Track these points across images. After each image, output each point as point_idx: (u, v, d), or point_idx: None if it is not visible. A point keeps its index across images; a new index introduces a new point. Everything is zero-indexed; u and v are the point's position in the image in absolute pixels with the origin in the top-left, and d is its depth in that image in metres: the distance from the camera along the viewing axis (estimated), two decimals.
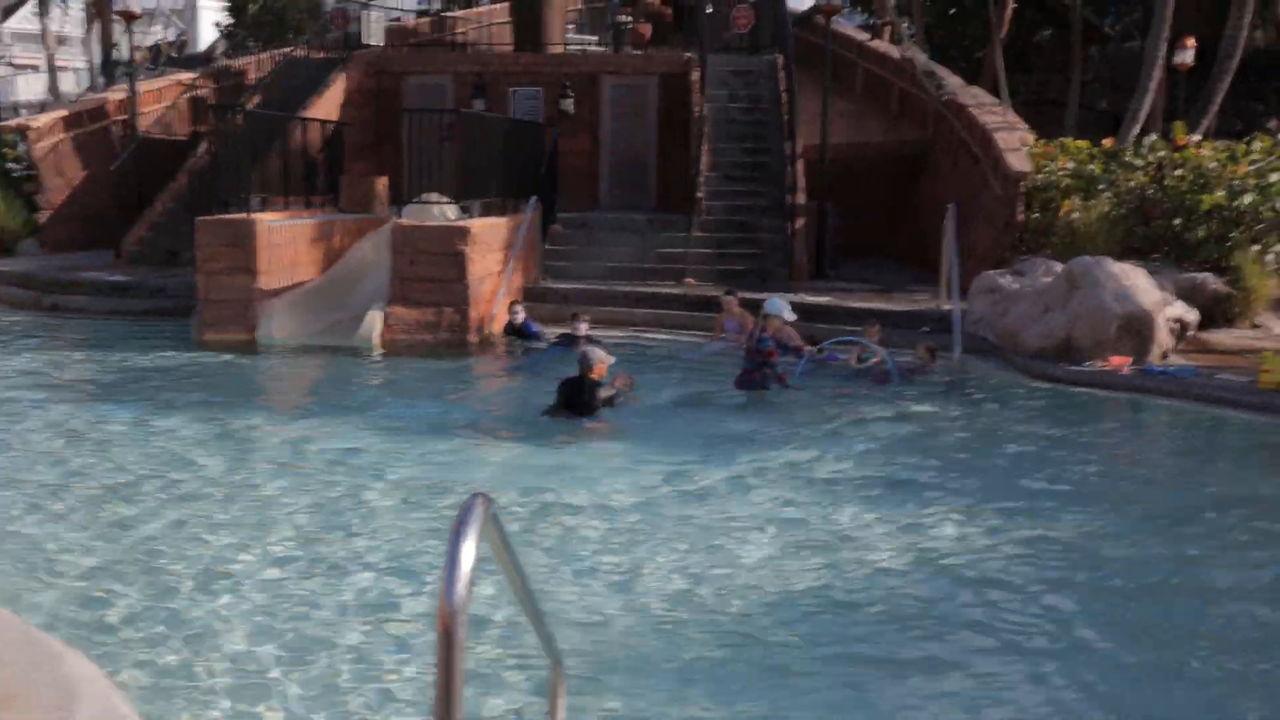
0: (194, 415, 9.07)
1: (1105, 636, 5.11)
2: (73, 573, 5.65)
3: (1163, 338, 11.16)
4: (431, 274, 13.05)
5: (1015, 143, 15.50)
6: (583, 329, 12.67)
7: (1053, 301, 11.60)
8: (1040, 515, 6.80)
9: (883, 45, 21.17)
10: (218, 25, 34.44)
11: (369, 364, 12.10)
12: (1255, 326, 13.23)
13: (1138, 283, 11.36)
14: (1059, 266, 12.21)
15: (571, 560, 5.95)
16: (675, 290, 14.87)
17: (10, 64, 46.23)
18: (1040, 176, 15.34)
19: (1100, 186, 15.07)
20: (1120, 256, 12.73)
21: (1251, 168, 14.28)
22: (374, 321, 12.89)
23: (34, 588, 5.43)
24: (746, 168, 17.25)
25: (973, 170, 16.38)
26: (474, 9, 26.03)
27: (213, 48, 32.62)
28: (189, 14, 39.14)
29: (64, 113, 19.55)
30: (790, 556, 6.05)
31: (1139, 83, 20.46)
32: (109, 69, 25.42)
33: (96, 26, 31.87)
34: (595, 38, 23.30)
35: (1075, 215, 14.63)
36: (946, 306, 13.09)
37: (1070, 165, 15.77)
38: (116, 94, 19.89)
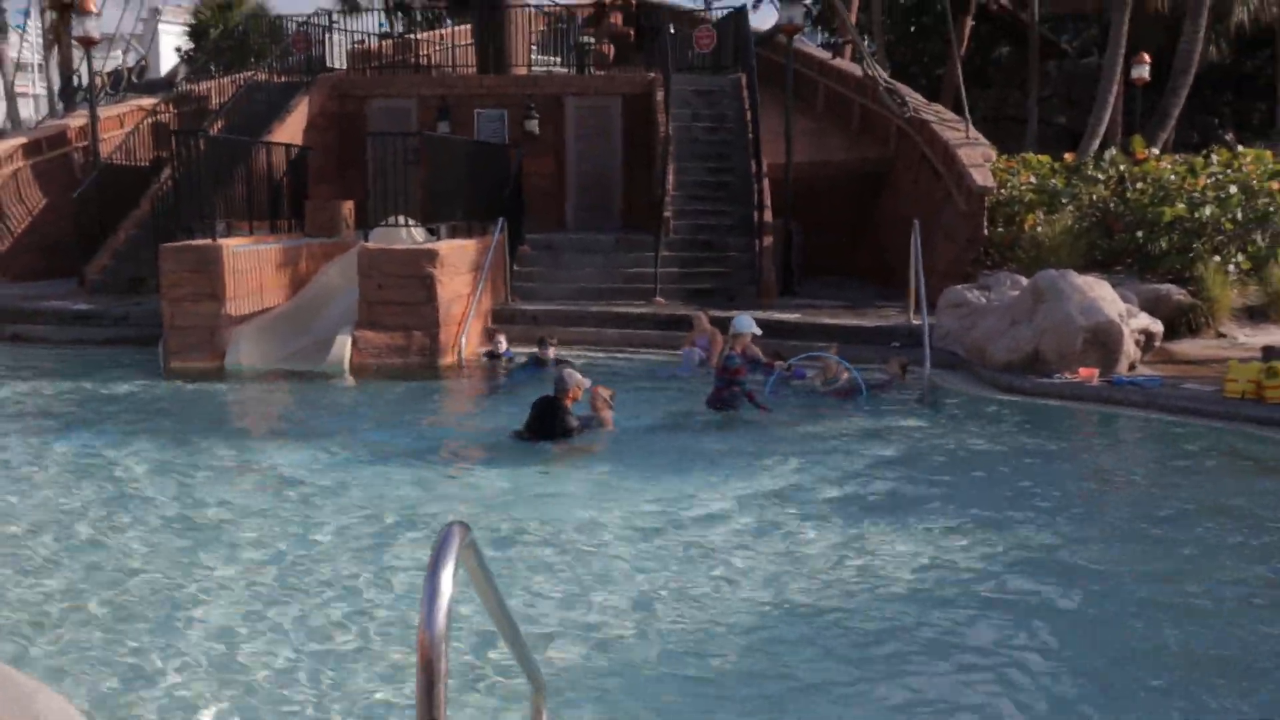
0: (162, 444, 8.96)
1: (1075, 647, 5.13)
2: (34, 601, 5.54)
3: (1129, 349, 11.27)
4: (400, 297, 12.99)
5: (978, 158, 15.66)
6: (551, 353, 12.64)
7: (1019, 315, 11.69)
8: (1012, 527, 6.83)
9: (844, 63, 21.37)
10: (178, 50, 34.26)
11: (339, 389, 12.01)
12: (1219, 336, 13.41)
13: (1103, 295, 11.47)
14: (1025, 280, 12.32)
15: (547, 585, 5.90)
16: (644, 309, 14.88)
17: None
18: (1003, 191, 15.52)
19: (1063, 200, 15.26)
20: (1084, 269, 12.88)
21: (1210, 180, 14.51)
22: (343, 346, 12.81)
23: None
24: (712, 186, 17.32)
25: (935, 186, 16.52)
26: (437, 31, 26.04)
27: (174, 72, 32.41)
28: (149, 39, 38.88)
29: (23, 140, 19.34)
30: (766, 576, 6.03)
31: (1097, 98, 20.76)
32: (69, 95, 25.17)
33: (55, 52, 31.60)
34: (558, 59, 23.33)
35: (1039, 229, 14.81)
36: (916, 322, 13.16)
37: (1032, 180, 15.98)
38: (77, 120, 19.70)
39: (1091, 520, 7.10)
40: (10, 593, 5.74)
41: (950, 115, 17.81)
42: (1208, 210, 13.96)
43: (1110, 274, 13.49)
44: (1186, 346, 12.91)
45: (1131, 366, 11.35)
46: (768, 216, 16.26)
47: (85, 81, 19.75)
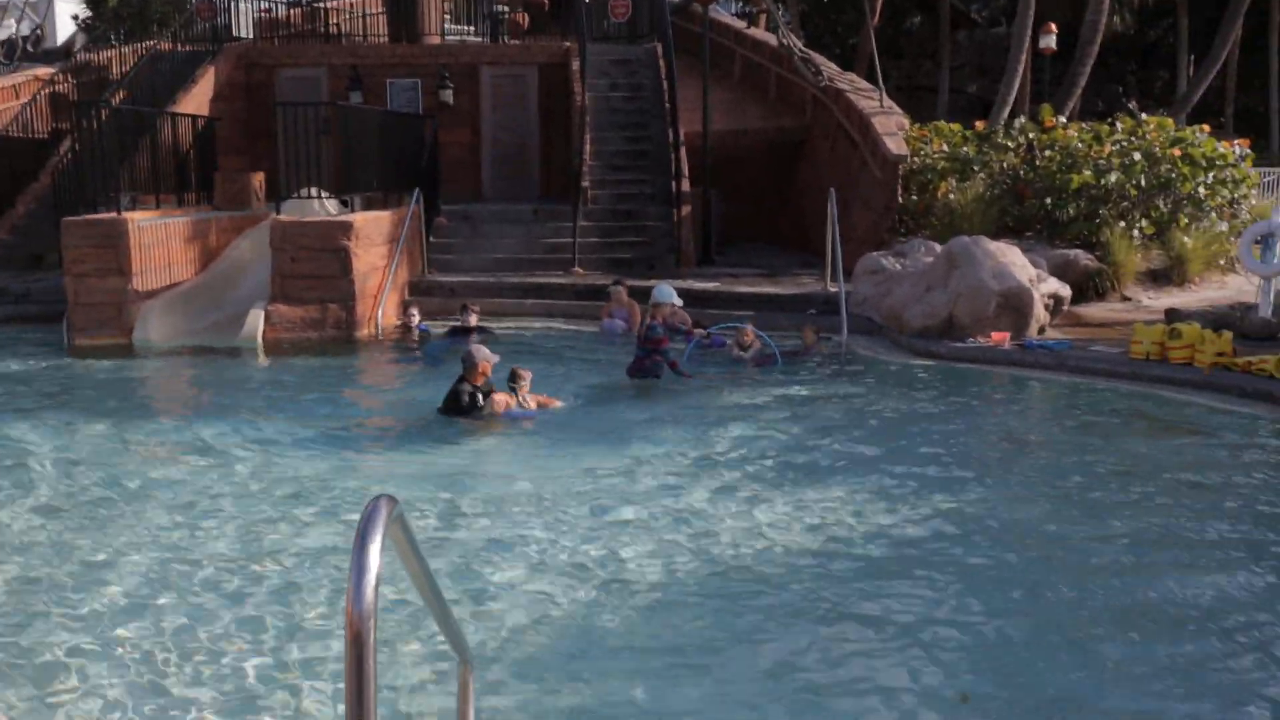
0: (69, 422, 8.71)
1: (989, 604, 5.25)
2: None
3: (1039, 313, 11.53)
4: (314, 270, 12.78)
5: (892, 127, 15.82)
6: (473, 320, 12.56)
7: (934, 281, 11.88)
8: (927, 488, 6.96)
9: (759, 33, 21.40)
10: (76, 18, 33.07)
11: (253, 364, 11.79)
12: (1125, 299, 13.78)
13: (1014, 260, 11.71)
14: (938, 247, 12.51)
15: (472, 558, 5.87)
16: (563, 280, 14.82)
17: None
18: (917, 160, 15.71)
19: (974, 168, 15.51)
20: (996, 236, 13.12)
21: (1115, 147, 14.84)
22: (256, 320, 12.57)
23: None
24: (630, 156, 17.27)
25: (851, 155, 16.67)
26: None
27: (71, 41, 31.32)
28: (44, 7, 37.51)
29: None
30: (688, 543, 6.07)
31: (1006, 67, 21.11)
32: None
33: None
34: (472, 28, 22.99)
35: (951, 197, 15.03)
36: (833, 289, 13.30)
37: (945, 148, 16.20)
38: None
39: (1004, 481, 7.27)
40: None
41: (864, 84, 17.95)
42: (1113, 177, 14.29)
43: (1021, 240, 13.77)
44: (1093, 310, 13.25)
45: (1041, 330, 11.61)
46: (686, 186, 16.26)
47: None
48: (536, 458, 7.91)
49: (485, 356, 8.85)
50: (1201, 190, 14.64)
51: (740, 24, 22.35)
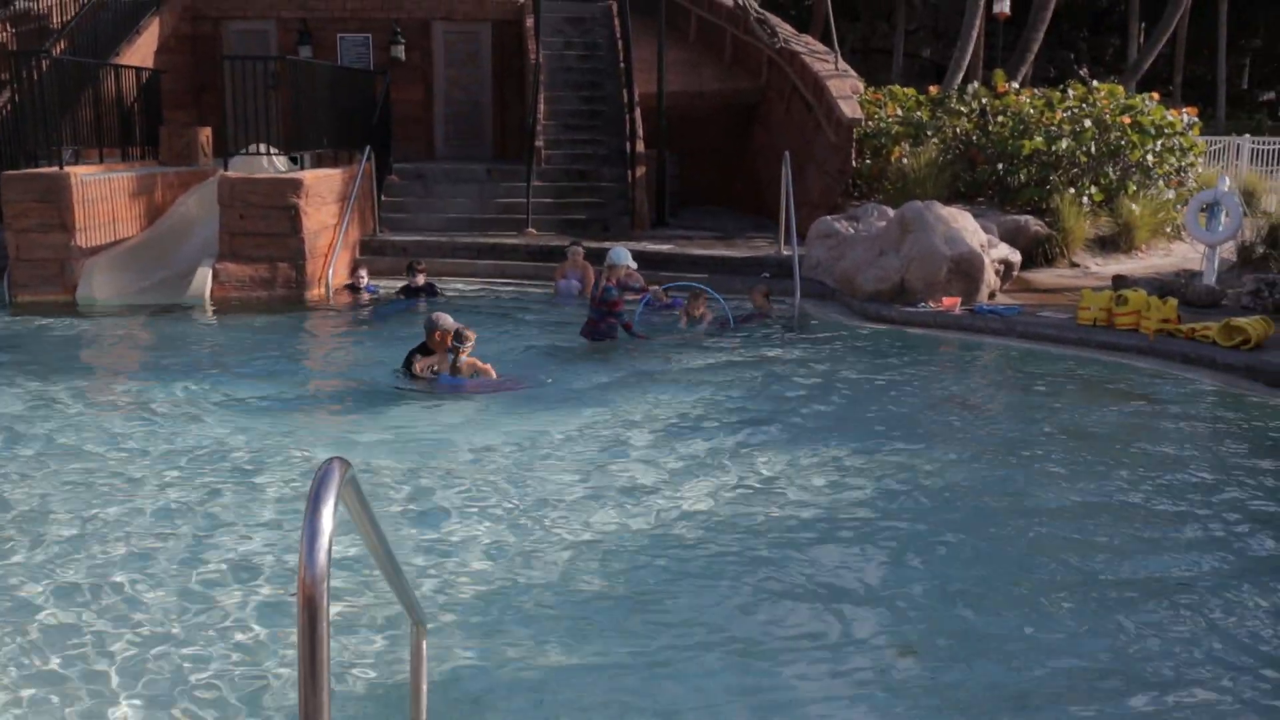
0: (10, 379, 8.55)
1: (935, 567, 5.33)
2: None
3: (990, 278, 11.63)
4: (263, 228, 12.60)
5: (847, 90, 15.83)
6: (420, 279, 12.47)
7: (886, 245, 11.94)
8: (876, 453, 7.03)
9: None
10: None
11: (201, 323, 11.62)
12: (1073, 265, 13.94)
13: (966, 226, 11.79)
14: (891, 212, 12.57)
15: (426, 521, 5.86)
16: (517, 240, 14.73)
17: None
18: (871, 124, 15.73)
19: (928, 133, 15.56)
20: (948, 201, 13.21)
21: (1066, 114, 14.95)
22: (204, 278, 12.39)
23: None
24: (585, 116, 17.15)
25: (806, 118, 16.66)
26: None
27: None
28: None
29: None
30: (638, 507, 6.09)
31: (961, 31, 21.11)
32: None
33: None
34: None
35: (905, 161, 15.08)
36: (786, 252, 13.33)
37: (899, 113, 16.23)
38: None
39: (952, 445, 7.35)
40: None
41: (820, 47, 17.92)
42: (1064, 144, 14.41)
43: (973, 205, 13.88)
44: (1043, 276, 13.40)
45: (992, 295, 11.73)
46: (640, 146, 16.19)
47: None
48: (489, 421, 7.88)
49: (446, 325, 8.59)
50: (1150, 158, 14.82)
51: None
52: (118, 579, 5.07)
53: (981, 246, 11.66)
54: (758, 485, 6.44)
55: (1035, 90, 16.67)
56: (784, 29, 18.23)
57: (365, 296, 12.65)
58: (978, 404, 8.71)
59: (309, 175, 13.05)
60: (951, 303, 11.25)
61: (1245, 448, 7.21)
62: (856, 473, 6.65)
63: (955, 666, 4.41)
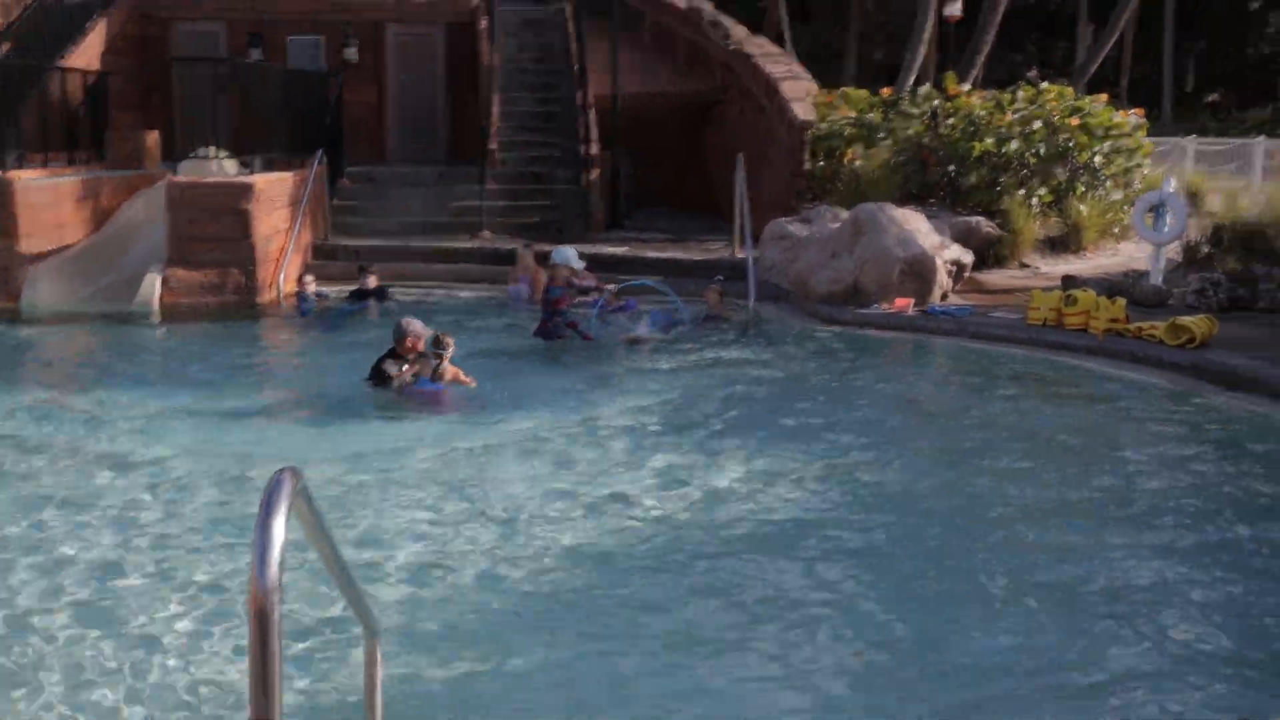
0: None
1: (887, 568, 5.36)
2: None
3: (942, 279, 11.73)
4: (213, 233, 12.43)
5: (800, 92, 15.91)
6: (372, 282, 12.36)
7: (840, 247, 12.01)
8: (830, 454, 7.05)
9: None
10: None
11: (150, 330, 11.46)
12: (1024, 266, 14.09)
13: (918, 227, 11.89)
14: (845, 213, 12.64)
15: (377, 532, 5.80)
16: (471, 244, 14.66)
17: None
18: (824, 126, 15.82)
19: (880, 135, 15.66)
20: (900, 202, 13.30)
21: (1016, 116, 15.11)
22: (152, 284, 12.22)
23: None
24: (539, 118, 17.11)
25: (759, 120, 16.73)
26: None
27: None
28: None
29: None
30: (588, 513, 6.06)
31: (912, 34, 21.30)
32: None
33: None
34: None
35: (858, 163, 15.17)
36: (740, 255, 13.37)
37: (852, 114, 16.32)
38: None
39: (905, 446, 7.40)
40: None
41: (773, 49, 18.00)
42: (1013, 145, 14.56)
43: (925, 207, 13.97)
44: (994, 276, 13.53)
45: (944, 296, 11.83)
46: (595, 149, 16.18)
47: None
48: (440, 428, 7.83)
49: (417, 331, 8.43)
50: (1098, 159, 15.01)
51: None
52: (60, 593, 4.97)
53: (934, 248, 11.75)
54: (712, 488, 6.44)
55: (986, 92, 16.84)
56: (737, 31, 18.29)
57: (312, 303, 12.40)
58: (931, 405, 8.78)
59: (260, 179, 12.91)
60: (904, 304, 11.33)
61: (1192, 445, 7.32)
62: (810, 475, 6.67)
63: (909, 668, 4.44)
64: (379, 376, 8.42)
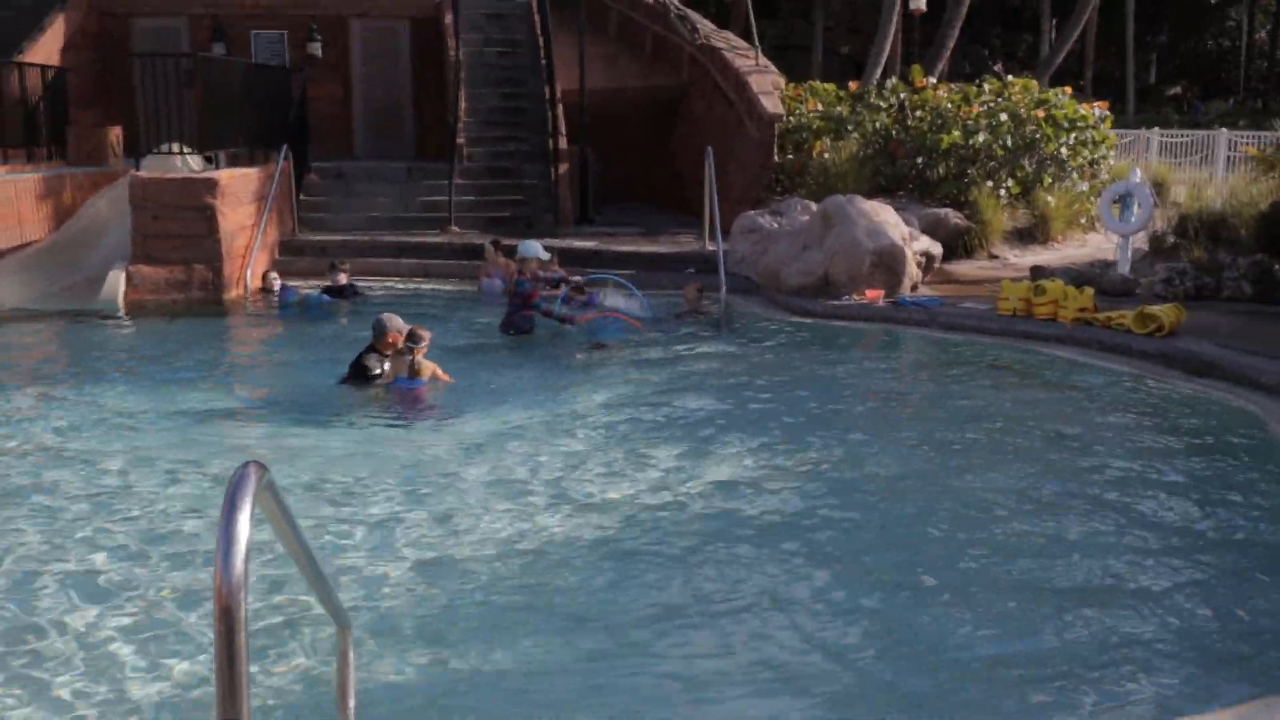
0: None
1: (861, 561, 5.35)
2: None
3: (912, 271, 11.76)
4: (178, 230, 12.30)
5: (768, 86, 15.91)
6: (343, 278, 12.28)
7: (810, 240, 12.01)
8: (802, 446, 7.04)
9: None
10: None
11: (115, 328, 11.30)
12: (992, 257, 14.17)
13: (887, 219, 11.91)
14: (814, 206, 12.65)
15: (350, 524, 5.74)
16: (439, 239, 14.57)
17: None
18: (792, 119, 15.84)
19: (848, 128, 15.70)
20: (869, 195, 13.33)
21: (982, 108, 15.19)
22: (117, 282, 12.06)
23: None
24: (506, 113, 17.03)
25: (728, 114, 16.72)
26: None
27: None
28: None
29: None
30: (559, 507, 6.03)
31: (878, 28, 21.36)
32: None
33: None
34: None
35: (826, 156, 15.21)
36: (710, 248, 13.35)
37: (819, 108, 16.35)
38: None
39: (878, 437, 7.40)
40: None
41: (740, 43, 17.99)
42: (981, 138, 14.63)
43: (893, 199, 14.03)
44: (963, 267, 13.59)
45: (914, 287, 11.86)
46: (563, 143, 16.12)
47: None
48: (415, 425, 7.76)
49: (398, 327, 8.31)
50: (1064, 151, 15.11)
51: None
52: (25, 588, 4.88)
53: (903, 239, 11.78)
54: (686, 483, 6.41)
55: (952, 85, 16.91)
56: (704, 25, 18.28)
57: (277, 300, 12.32)
58: (902, 395, 8.79)
59: (224, 175, 12.77)
60: (875, 295, 11.35)
61: (1162, 433, 7.37)
62: (782, 468, 6.66)
63: (882, 662, 4.43)
64: (360, 373, 8.29)
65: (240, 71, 15.15)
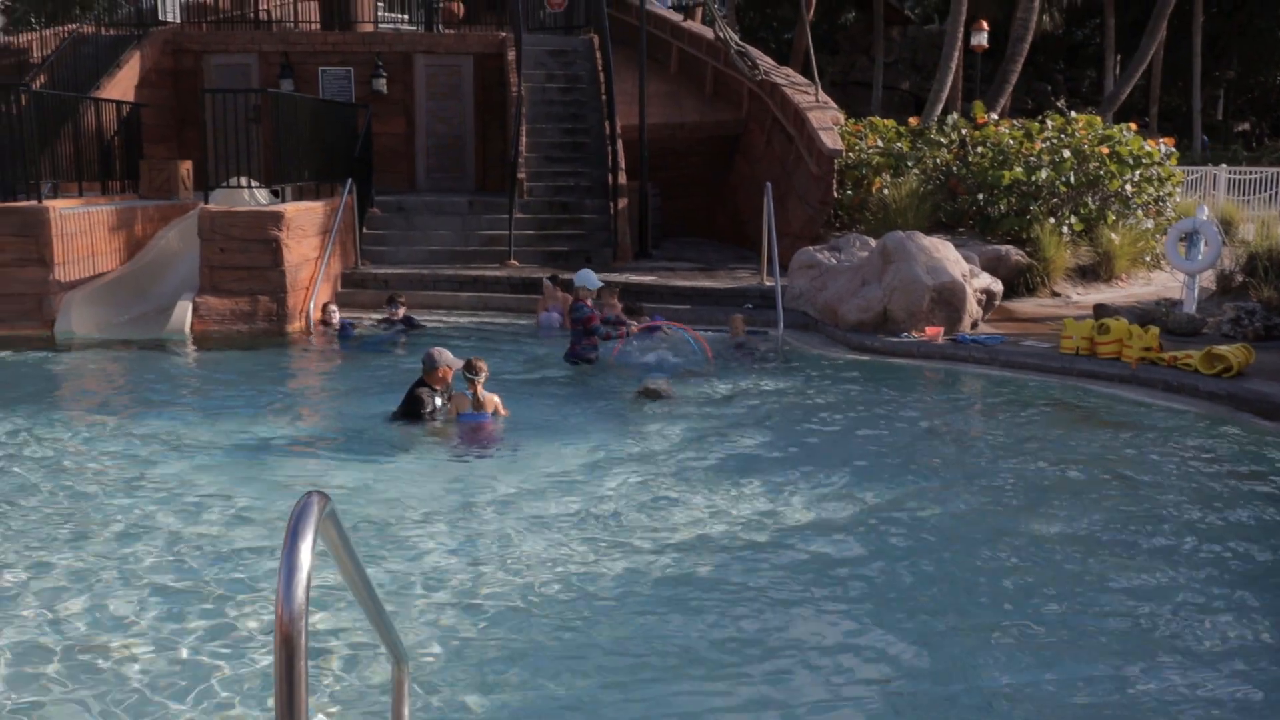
0: None
1: (918, 600, 5.28)
2: None
3: (972, 308, 11.65)
4: (244, 261, 12.54)
5: (828, 122, 15.90)
6: (401, 312, 12.43)
7: (869, 275, 11.96)
8: (859, 484, 6.98)
9: (696, 25, 21.39)
10: None
11: (182, 358, 11.52)
12: (1055, 295, 13.99)
13: (947, 255, 11.82)
14: (873, 242, 12.59)
15: (407, 559, 5.78)
16: (499, 273, 14.70)
17: None
18: (852, 155, 15.81)
19: (908, 164, 15.63)
20: (929, 231, 13.26)
21: (1045, 144, 15.05)
22: (184, 312, 12.31)
23: None
24: (566, 148, 17.19)
25: (787, 149, 16.73)
26: None
27: None
28: None
29: None
30: (622, 544, 6.03)
31: (939, 64, 21.31)
32: None
33: None
34: (406, 16, 22.73)
35: (886, 192, 15.15)
36: (768, 283, 13.34)
37: (879, 144, 16.32)
38: None
39: (936, 476, 7.32)
40: None
41: (800, 79, 18.02)
42: (1043, 173, 14.49)
43: (954, 235, 13.93)
44: (1025, 305, 13.44)
45: (974, 325, 11.75)
46: (623, 178, 16.22)
47: None
48: (475, 459, 7.81)
49: (448, 361, 8.29)
50: (1129, 188, 14.92)
51: (677, 17, 22.33)
52: (91, 615, 4.97)
53: (963, 276, 11.69)
54: (743, 518, 6.39)
55: (1014, 121, 16.78)
56: (764, 61, 18.34)
57: (336, 332, 12.44)
58: (962, 434, 8.68)
59: (290, 208, 13.01)
60: (934, 332, 11.26)
61: (1229, 476, 7.20)
62: (837, 506, 6.61)
63: (928, 700, 4.36)
64: (412, 409, 8.28)
65: (308, 107, 15.46)
